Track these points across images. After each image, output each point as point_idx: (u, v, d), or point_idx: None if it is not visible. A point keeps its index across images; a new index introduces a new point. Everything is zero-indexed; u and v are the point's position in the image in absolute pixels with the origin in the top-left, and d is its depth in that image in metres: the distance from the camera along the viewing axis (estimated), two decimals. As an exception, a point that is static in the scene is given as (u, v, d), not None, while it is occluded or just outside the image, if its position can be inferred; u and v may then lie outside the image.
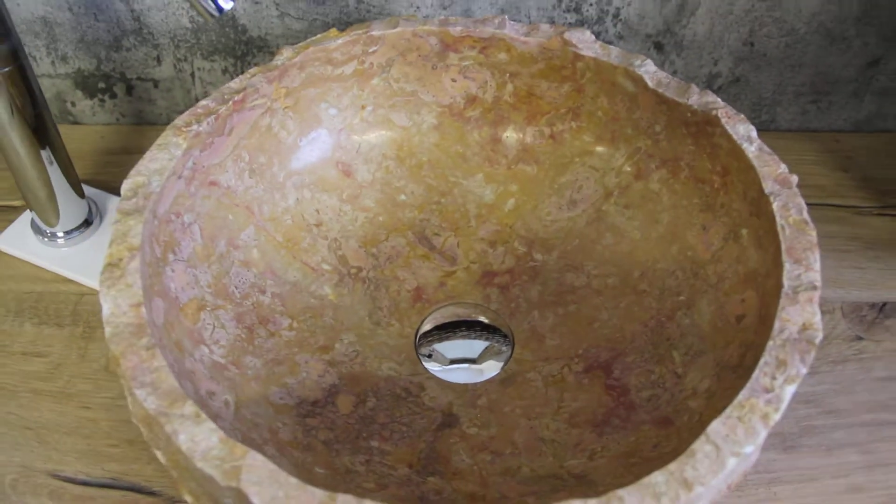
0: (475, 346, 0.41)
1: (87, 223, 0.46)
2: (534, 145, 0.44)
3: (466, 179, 0.45)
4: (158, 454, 0.32)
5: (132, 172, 0.35)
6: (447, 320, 0.41)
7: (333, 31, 0.41)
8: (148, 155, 0.35)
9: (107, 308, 0.30)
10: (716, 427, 0.27)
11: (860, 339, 0.44)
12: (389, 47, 0.42)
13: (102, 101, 0.52)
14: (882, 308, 0.45)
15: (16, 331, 0.43)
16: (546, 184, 0.44)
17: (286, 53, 0.40)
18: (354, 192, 0.44)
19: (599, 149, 0.43)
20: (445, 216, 0.44)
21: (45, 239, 0.46)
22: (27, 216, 0.48)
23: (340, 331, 0.40)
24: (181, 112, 0.53)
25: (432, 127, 0.45)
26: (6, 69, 0.38)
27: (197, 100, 0.52)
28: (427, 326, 0.41)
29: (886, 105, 0.52)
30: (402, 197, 0.44)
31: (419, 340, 0.40)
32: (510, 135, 0.44)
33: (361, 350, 0.39)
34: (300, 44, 0.41)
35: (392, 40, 0.42)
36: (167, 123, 0.54)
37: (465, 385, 0.39)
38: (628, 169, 0.42)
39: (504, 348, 0.40)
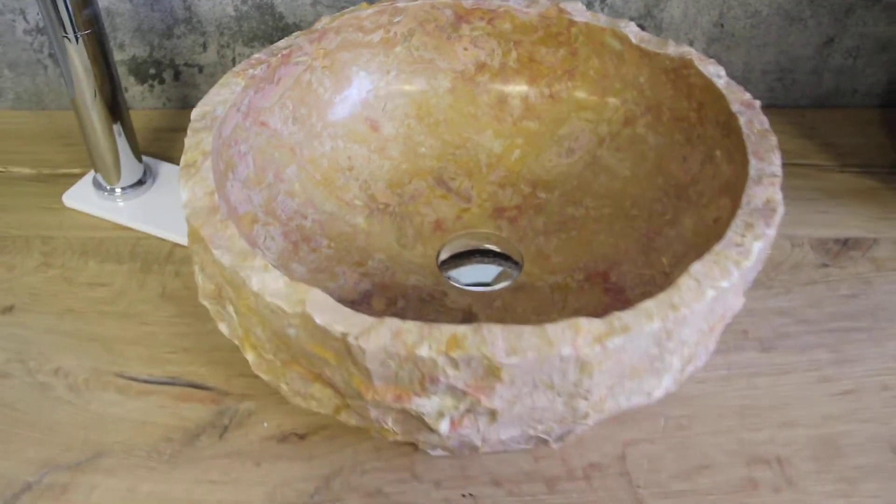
0: (489, 270, 0.46)
1: (141, 182, 0.53)
2: (535, 104, 0.51)
3: (478, 135, 0.51)
4: (223, 327, 0.37)
5: (200, 103, 0.41)
6: (463, 249, 0.47)
7: (364, 3, 0.49)
8: (213, 91, 0.42)
9: (185, 195, 0.36)
10: (696, 267, 0.33)
11: (826, 266, 0.49)
12: (411, 18, 0.49)
13: (152, 86, 0.59)
14: (845, 242, 0.51)
15: (81, 266, 0.49)
16: (547, 136, 0.51)
17: (325, 20, 0.47)
18: (381, 144, 0.50)
19: (592, 103, 0.50)
20: (460, 165, 0.51)
21: (106, 195, 0.52)
22: (88, 178, 0.54)
23: (371, 251, 0.45)
24: (221, 96, 0.60)
25: (447, 90, 0.51)
26: (87, 31, 0.45)
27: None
28: (445, 255, 0.47)
29: (843, 82, 0.60)
30: (422, 149, 0.51)
31: (439, 266, 0.46)
32: (515, 96, 0.51)
33: (390, 266, 0.45)
34: (336, 14, 0.48)
35: (413, 11, 0.49)
36: (208, 107, 0.60)
37: (482, 292, 0.44)
38: (618, 118, 0.49)
39: (515, 273, 0.46)
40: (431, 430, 0.33)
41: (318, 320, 0.31)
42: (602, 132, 0.49)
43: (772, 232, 0.35)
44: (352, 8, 0.48)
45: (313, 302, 0.31)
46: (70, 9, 0.44)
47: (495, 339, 0.30)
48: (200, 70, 0.58)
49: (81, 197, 0.52)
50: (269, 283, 0.32)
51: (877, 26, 0.56)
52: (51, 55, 0.57)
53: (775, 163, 0.38)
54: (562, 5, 0.48)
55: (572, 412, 0.33)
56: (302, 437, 0.40)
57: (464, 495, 0.38)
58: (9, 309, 0.46)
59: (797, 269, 0.49)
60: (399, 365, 0.30)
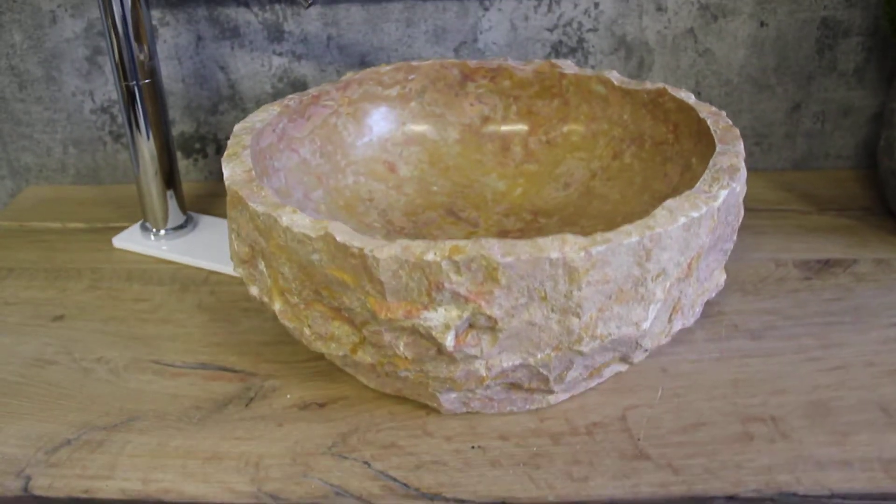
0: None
1: (182, 227, 0.59)
2: (534, 149, 0.58)
3: (484, 177, 0.58)
4: (253, 289, 0.42)
5: (240, 123, 0.48)
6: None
7: (383, 65, 0.57)
8: (252, 114, 0.49)
9: (227, 172, 0.42)
10: (669, 202, 0.38)
11: (810, 279, 0.53)
12: (423, 76, 0.57)
13: (196, 160, 0.67)
14: (827, 262, 0.55)
15: (126, 287, 0.54)
16: (545, 175, 0.57)
17: (349, 74, 0.55)
18: (397, 183, 0.56)
19: (584, 143, 0.56)
20: (468, 200, 0.56)
21: (152, 236, 0.58)
22: (136, 225, 0.60)
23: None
24: (257, 169, 0.67)
25: (456, 141, 0.58)
26: (147, 81, 0.54)
27: (270, 157, 0.67)
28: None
29: (815, 146, 0.66)
30: (434, 188, 0.57)
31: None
32: (516, 144, 0.58)
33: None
34: (360, 69, 0.56)
35: (426, 70, 0.57)
36: (245, 180, 0.68)
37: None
38: (607, 153, 0.55)
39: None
40: (440, 353, 0.37)
41: (338, 238, 0.35)
42: (594, 167, 0.55)
43: (737, 186, 0.40)
44: (373, 68, 0.57)
45: (334, 227, 0.36)
46: (134, 59, 0.53)
47: (492, 246, 0.34)
48: (240, 144, 0.66)
49: (129, 239, 0.58)
50: (296, 220, 0.37)
51: (836, 92, 0.64)
52: (111, 132, 0.65)
53: (738, 146, 0.44)
54: (554, 61, 0.56)
55: (567, 333, 0.36)
56: (322, 405, 0.43)
57: (473, 447, 0.40)
58: (59, 318, 0.51)
59: (782, 281, 0.53)
60: (408, 274, 0.35)
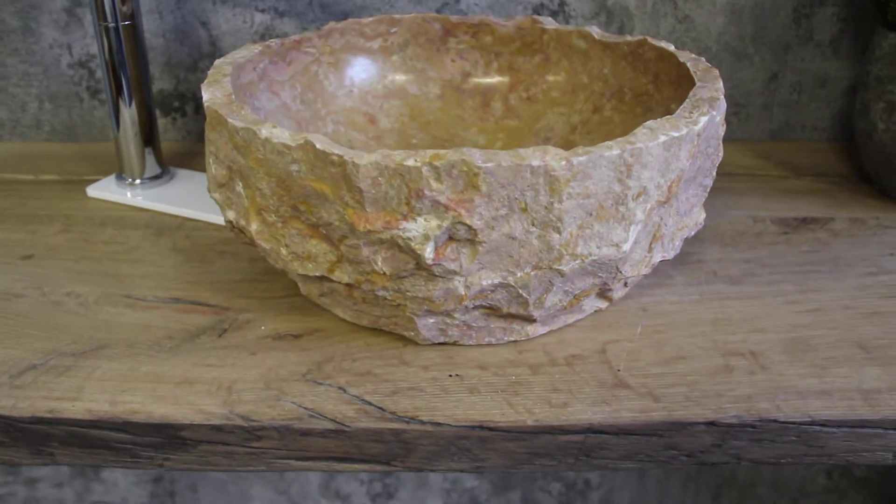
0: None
1: (159, 176, 0.58)
2: (515, 105, 0.58)
3: (464, 132, 0.57)
4: (230, 214, 0.41)
5: (224, 57, 0.47)
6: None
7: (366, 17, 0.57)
8: (233, 52, 0.48)
9: (207, 95, 0.41)
10: (650, 122, 0.37)
11: (787, 233, 0.53)
12: (405, 29, 0.57)
13: (174, 119, 0.66)
14: (804, 219, 0.55)
15: (99, 231, 0.53)
16: (525, 130, 0.57)
17: (331, 24, 0.55)
18: (377, 134, 0.56)
19: (564, 99, 0.56)
20: (448, 153, 0.56)
21: (127, 185, 0.57)
22: (112, 176, 0.59)
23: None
24: (236, 130, 0.67)
25: (436, 96, 0.58)
26: (127, 23, 0.53)
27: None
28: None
29: (791, 117, 0.67)
30: (414, 141, 0.57)
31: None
32: (497, 100, 0.58)
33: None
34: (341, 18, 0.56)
35: (408, 23, 0.57)
36: (223, 141, 0.67)
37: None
38: (587, 108, 0.55)
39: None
40: (418, 268, 0.36)
41: (318, 145, 0.35)
42: (574, 121, 0.55)
43: (717, 115, 0.40)
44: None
45: (314, 136, 0.36)
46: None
47: (473, 153, 0.34)
48: (219, 104, 0.65)
49: (104, 188, 0.57)
50: (276, 133, 0.37)
51: (813, 62, 0.64)
52: (88, 88, 0.65)
53: (718, 83, 0.44)
54: (535, 17, 0.57)
55: (547, 249, 0.36)
56: (297, 336, 0.42)
57: (450, 375, 0.40)
58: (28, 257, 0.50)
59: (760, 235, 0.53)
60: (388, 182, 0.34)
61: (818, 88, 0.65)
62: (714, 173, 0.43)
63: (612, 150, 0.35)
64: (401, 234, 0.35)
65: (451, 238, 0.36)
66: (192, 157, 0.64)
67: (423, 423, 0.37)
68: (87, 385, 0.39)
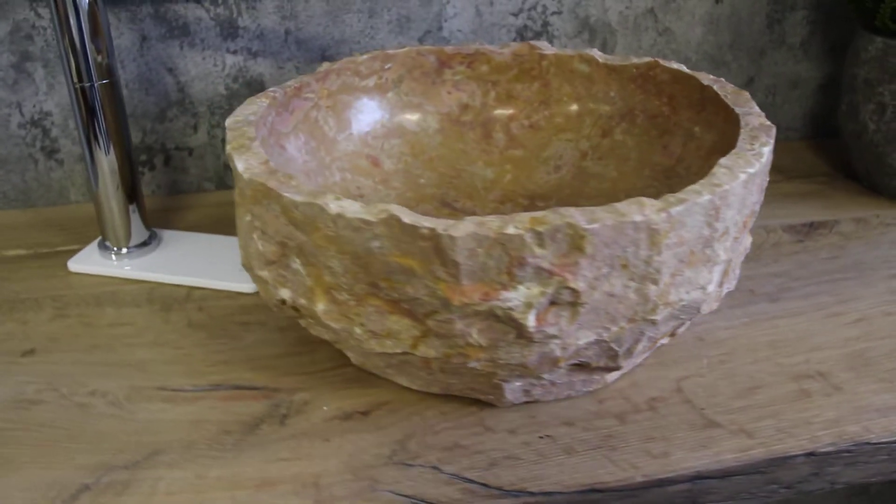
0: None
1: (146, 244, 0.53)
2: (517, 134, 0.56)
3: (470, 166, 0.56)
4: (284, 293, 0.38)
5: (231, 116, 0.44)
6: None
7: (356, 54, 0.54)
8: (240, 108, 0.45)
9: (241, 165, 0.38)
10: (723, 160, 0.37)
11: (802, 241, 0.54)
12: (399, 64, 0.55)
13: (143, 173, 0.61)
14: (811, 224, 0.57)
15: (98, 313, 0.48)
16: (533, 160, 0.55)
17: (326, 64, 0.52)
18: (384, 177, 0.53)
19: (569, 124, 0.55)
20: (459, 190, 0.54)
21: (113, 256, 0.52)
22: (92, 246, 0.54)
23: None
24: (210, 179, 0.62)
25: (436, 130, 0.56)
26: (104, 81, 0.48)
27: (225, 165, 0.62)
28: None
29: (769, 118, 0.68)
30: (422, 180, 0.54)
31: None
32: (498, 130, 0.56)
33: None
34: (336, 60, 0.53)
35: (401, 58, 0.54)
36: (196, 192, 0.62)
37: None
38: (595, 132, 0.54)
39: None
40: (518, 337, 0.34)
41: (405, 220, 0.32)
42: (583, 147, 0.55)
43: (772, 143, 0.40)
44: (348, 58, 0.53)
45: (396, 209, 0.33)
46: (90, 58, 0.47)
47: (573, 214, 0.32)
48: (190, 153, 0.61)
49: (87, 261, 0.52)
50: (347, 206, 0.34)
51: (786, 65, 0.66)
52: (43, 149, 0.59)
53: (755, 108, 0.44)
54: (532, 43, 0.55)
55: (643, 302, 0.35)
56: (365, 413, 0.40)
57: (541, 437, 0.38)
58: (29, 352, 0.44)
59: (778, 246, 0.54)
60: (487, 252, 0.32)
61: (791, 90, 0.67)
62: (762, 197, 0.43)
63: (702, 195, 0.34)
64: (501, 304, 0.33)
65: (552, 303, 0.34)
66: (168, 213, 0.59)
67: (532, 494, 0.35)
68: (156, 502, 0.35)
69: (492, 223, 0.32)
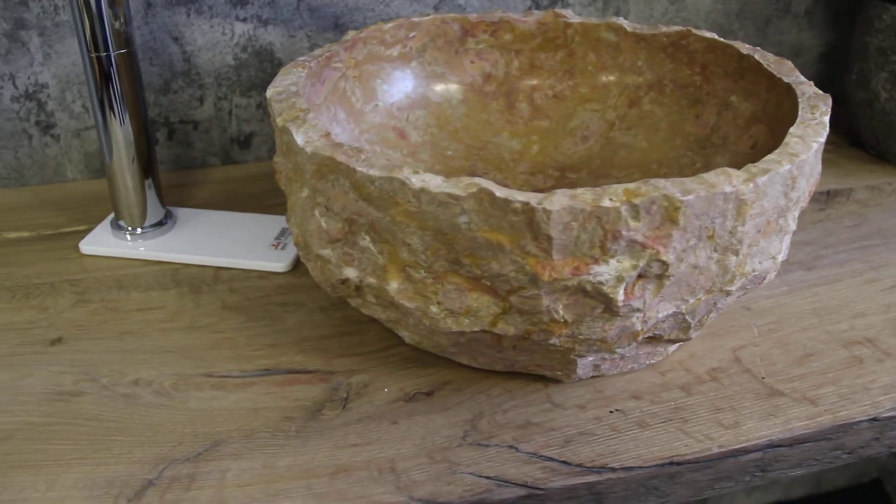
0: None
1: (161, 223, 0.50)
2: (542, 105, 0.55)
3: (495, 137, 0.54)
4: (350, 271, 0.36)
5: (271, 85, 0.41)
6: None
7: (379, 22, 0.52)
8: (279, 77, 0.42)
9: (301, 138, 0.36)
10: (794, 130, 0.37)
11: (823, 209, 0.55)
12: (424, 33, 0.53)
13: (144, 149, 0.58)
14: (828, 192, 0.57)
15: (124, 297, 0.45)
16: (559, 131, 0.54)
17: (352, 32, 0.50)
18: (412, 150, 0.52)
19: (595, 94, 0.54)
20: (488, 162, 0.53)
21: (128, 237, 0.49)
22: (103, 226, 0.51)
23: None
24: (216, 154, 0.59)
25: (459, 101, 0.55)
26: (122, 51, 0.45)
27: (232, 139, 0.59)
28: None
29: (768, 88, 0.69)
30: (449, 152, 0.53)
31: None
32: (522, 101, 0.55)
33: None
34: (362, 27, 0.51)
35: (426, 26, 0.53)
36: (201, 167, 0.60)
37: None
38: (622, 102, 0.54)
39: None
40: (604, 311, 0.33)
41: (498, 194, 0.31)
42: (610, 117, 0.54)
43: (829, 112, 0.40)
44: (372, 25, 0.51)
45: (486, 182, 0.32)
46: (108, 26, 0.44)
47: (666, 185, 0.32)
48: (195, 126, 0.58)
49: (100, 242, 0.49)
50: (429, 181, 0.32)
51: (790, 34, 0.66)
52: (38, 123, 0.55)
53: (801, 77, 0.44)
54: (557, 10, 0.54)
55: (722, 272, 0.35)
56: (429, 394, 0.39)
57: (611, 411, 0.38)
58: (57, 340, 0.42)
59: (802, 214, 0.54)
60: (582, 226, 0.31)
61: (794, 58, 0.68)
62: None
63: (782, 165, 0.34)
64: (591, 279, 0.32)
65: (639, 276, 0.33)
66: (176, 190, 0.57)
67: (614, 469, 0.35)
68: (227, 495, 0.33)
69: (585, 196, 0.31)
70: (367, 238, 0.35)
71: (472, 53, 0.55)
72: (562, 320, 0.34)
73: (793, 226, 0.37)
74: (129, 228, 0.49)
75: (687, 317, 0.36)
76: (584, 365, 0.38)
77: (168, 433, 0.36)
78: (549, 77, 0.55)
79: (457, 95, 0.55)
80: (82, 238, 0.50)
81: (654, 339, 0.37)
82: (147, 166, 0.48)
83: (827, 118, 0.39)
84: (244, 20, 0.55)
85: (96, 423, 0.37)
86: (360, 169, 0.33)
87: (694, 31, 0.50)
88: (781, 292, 0.46)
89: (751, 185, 0.33)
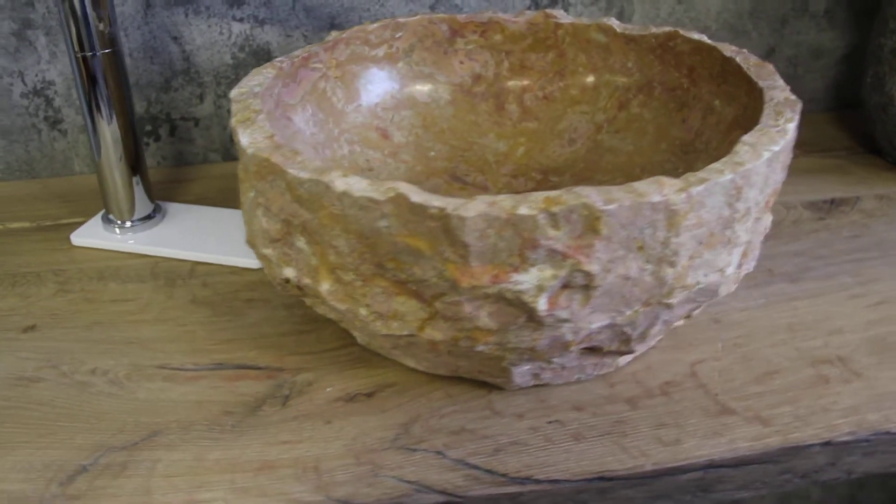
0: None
1: (150, 217, 0.52)
2: (531, 106, 0.54)
3: (482, 138, 0.54)
4: (288, 271, 0.37)
5: (237, 87, 0.42)
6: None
7: (368, 22, 0.52)
8: (246, 78, 0.43)
9: (245, 139, 0.37)
10: (746, 138, 0.35)
11: (823, 219, 0.53)
12: (411, 33, 0.53)
13: (147, 143, 0.60)
14: (832, 201, 0.55)
15: (102, 288, 0.47)
16: (547, 133, 0.54)
17: (335, 33, 0.50)
18: (394, 150, 0.52)
19: (585, 96, 0.53)
20: (470, 163, 0.53)
21: (117, 230, 0.51)
22: (95, 219, 0.53)
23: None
24: (216, 150, 0.61)
25: (448, 102, 0.54)
26: (107, 50, 0.47)
27: (231, 136, 0.61)
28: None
29: (792, 90, 0.66)
30: (432, 153, 0.53)
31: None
32: (511, 102, 0.55)
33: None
34: (345, 28, 0.51)
35: (413, 26, 0.53)
36: (203, 163, 0.61)
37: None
38: (612, 104, 0.53)
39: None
40: (528, 320, 0.33)
41: (413, 199, 0.31)
42: (598, 120, 0.53)
43: (797, 119, 0.38)
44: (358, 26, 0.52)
45: (405, 187, 0.32)
46: (91, 26, 0.46)
47: (589, 193, 0.31)
48: (196, 123, 0.60)
49: (91, 234, 0.51)
50: (353, 184, 0.33)
51: (808, 34, 0.64)
52: (46, 119, 0.57)
53: (779, 81, 0.42)
54: (548, 11, 0.53)
55: (659, 285, 0.34)
56: (370, 395, 0.39)
57: (549, 422, 0.37)
58: (30, 328, 0.44)
59: (798, 223, 0.52)
60: (498, 234, 0.31)
61: (813, 60, 0.65)
62: (785, 174, 0.42)
63: (723, 174, 0.33)
64: (511, 287, 0.32)
65: (564, 286, 0.33)
66: (172, 185, 0.58)
67: (539, 482, 0.34)
68: (153, 485, 0.34)
69: (504, 203, 0.31)
70: (303, 239, 0.35)
71: (461, 54, 0.54)
72: (485, 328, 0.33)
73: (743, 237, 0.36)
74: (118, 222, 0.51)
75: (626, 329, 0.35)
76: (522, 373, 0.37)
77: (112, 421, 0.37)
78: (540, 78, 0.54)
79: (445, 96, 0.54)
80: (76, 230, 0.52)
81: (594, 351, 0.37)
82: (135, 164, 0.50)
83: (792, 125, 0.37)
84: (241, 20, 0.56)
85: (48, 408, 0.38)
86: (290, 171, 0.34)
87: (682, 32, 0.49)
88: (758, 305, 0.45)
89: (683, 195, 0.32)
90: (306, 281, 0.36)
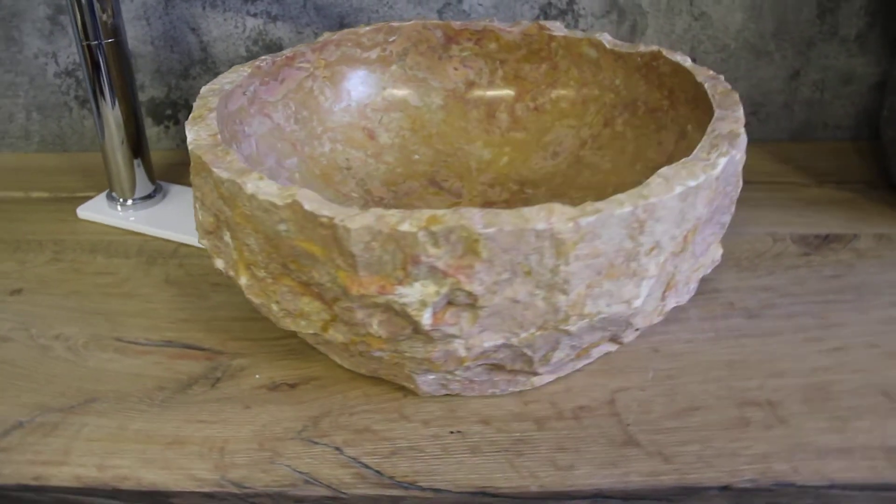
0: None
1: (150, 196, 0.56)
2: (521, 117, 0.55)
3: (468, 145, 0.55)
4: (219, 262, 0.39)
5: (208, 84, 0.45)
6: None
7: (362, 26, 0.54)
8: (221, 76, 0.46)
9: (191, 136, 0.39)
10: (664, 170, 0.35)
11: (808, 255, 0.51)
12: (405, 38, 0.54)
13: (167, 127, 0.64)
14: (826, 237, 0.53)
15: (90, 260, 0.51)
16: (533, 144, 0.54)
17: (326, 34, 0.52)
18: (377, 151, 0.53)
19: (573, 110, 0.53)
20: (452, 169, 0.54)
21: (119, 207, 0.55)
22: (102, 195, 0.57)
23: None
24: (232, 137, 0.64)
25: (439, 107, 0.55)
26: (110, 40, 0.50)
27: (246, 124, 0.64)
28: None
29: (813, 116, 0.63)
30: (416, 156, 0.54)
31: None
32: (502, 111, 0.55)
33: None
34: (337, 29, 0.53)
35: (407, 31, 0.54)
36: (219, 148, 0.65)
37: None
38: (598, 121, 0.52)
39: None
40: (416, 332, 0.34)
41: (306, 206, 0.33)
42: (584, 135, 0.53)
43: (737, 154, 0.37)
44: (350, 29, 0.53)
45: (302, 194, 0.33)
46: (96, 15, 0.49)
47: (473, 216, 0.32)
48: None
49: (95, 209, 0.55)
50: (262, 187, 0.34)
51: (837, 59, 0.61)
52: (77, 97, 0.62)
53: (738, 111, 0.41)
54: (542, 22, 0.53)
55: (553, 311, 0.34)
56: (293, 385, 0.41)
57: (451, 432, 0.38)
58: (17, 291, 0.48)
59: (780, 256, 0.51)
60: (382, 246, 0.32)
61: (842, 86, 0.62)
62: (733, 209, 0.41)
63: (623, 206, 0.33)
64: (396, 299, 0.33)
65: (450, 302, 0.33)
66: (184, 168, 0.62)
67: (422, 489, 0.35)
68: (74, 447, 0.37)
69: (389, 218, 0.32)
70: (228, 234, 0.38)
71: (455, 60, 0.55)
72: (377, 335, 0.35)
73: (653, 271, 0.35)
74: (120, 200, 0.55)
75: (525, 350, 0.36)
76: (427, 382, 0.38)
77: (58, 385, 0.41)
78: (532, 89, 0.55)
79: (437, 101, 0.55)
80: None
81: (497, 368, 0.37)
82: (136, 147, 0.54)
83: (724, 160, 0.36)
84: (255, 15, 0.59)
85: (9, 367, 0.42)
86: (215, 170, 0.36)
87: (664, 52, 0.48)
88: (705, 338, 0.44)
89: (571, 224, 0.32)
90: (231, 273, 0.38)
